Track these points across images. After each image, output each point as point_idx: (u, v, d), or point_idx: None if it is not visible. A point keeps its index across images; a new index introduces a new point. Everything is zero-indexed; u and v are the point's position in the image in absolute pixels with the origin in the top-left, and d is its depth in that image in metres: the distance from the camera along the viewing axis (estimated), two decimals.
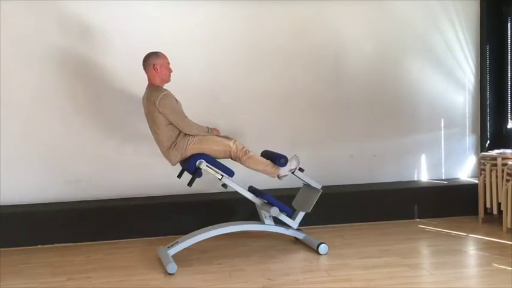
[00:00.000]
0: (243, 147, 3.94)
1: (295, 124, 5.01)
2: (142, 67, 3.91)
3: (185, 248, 3.85)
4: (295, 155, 4.07)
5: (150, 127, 3.93)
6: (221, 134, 4.06)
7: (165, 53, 3.94)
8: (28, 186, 4.67)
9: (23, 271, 3.82)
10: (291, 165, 4.02)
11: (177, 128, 3.85)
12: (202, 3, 4.79)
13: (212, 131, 3.98)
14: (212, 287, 3.39)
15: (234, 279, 3.50)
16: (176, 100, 3.88)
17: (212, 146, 3.88)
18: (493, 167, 4.48)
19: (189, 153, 3.85)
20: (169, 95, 3.83)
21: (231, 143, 3.92)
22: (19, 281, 3.63)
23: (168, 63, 3.93)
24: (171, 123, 3.82)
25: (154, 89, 3.85)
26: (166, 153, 3.90)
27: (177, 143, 3.84)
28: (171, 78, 3.95)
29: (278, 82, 4.96)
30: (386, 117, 5.13)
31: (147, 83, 3.94)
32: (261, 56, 4.93)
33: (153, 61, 3.86)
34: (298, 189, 4.32)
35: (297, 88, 4.99)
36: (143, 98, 3.93)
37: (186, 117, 3.89)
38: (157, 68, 3.86)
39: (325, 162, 5.01)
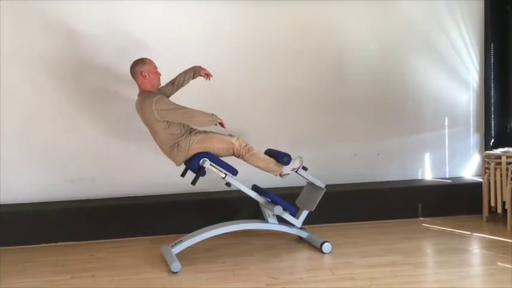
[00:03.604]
0: (246, 145, 3.94)
1: (299, 123, 5.01)
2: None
3: (189, 247, 3.85)
4: (299, 156, 4.08)
5: (149, 131, 3.91)
6: (224, 132, 4.05)
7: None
8: (31, 185, 4.68)
9: (27, 269, 3.83)
10: (294, 164, 4.02)
11: (178, 129, 3.82)
12: (205, 2, 4.79)
13: (216, 117, 3.89)
14: (216, 286, 3.39)
15: (238, 277, 3.50)
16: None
17: (215, 144, 3.88)
18: (497, 166, 4.47)
19: (192, 152, 3.85)
20: (161, 97, 3.80)
21: (234, 140, 3.92)
22: (23, 279, 3.64)
23: (155, 68, 3.89)
24: (169, 127, 3.79)
25: (146, 96, 3.80)
26: (169, 155, 3.90)
27: (179, 144, 3.83)
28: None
29: (281, 81, 4.96)
30: (390, 115, 5.12)
31: None
32: (264, 55, 4.92)
33: (140, 69, 3.82)
34: (301, 187, 4.32)
35: (300, 87, 4.99)
36: (136, 106, 3.87)
37: (185, 107, 3.82)
38: (146, 74, 3.82)
39: (328, 161, 5.01)
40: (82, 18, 4.64)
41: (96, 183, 4.76)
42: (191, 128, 3.95)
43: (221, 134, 3.98)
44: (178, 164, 3.94)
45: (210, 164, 3.83)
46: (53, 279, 3.62)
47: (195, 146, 3.85)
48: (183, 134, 3.85)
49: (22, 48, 4.61)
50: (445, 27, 5.11)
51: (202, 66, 4.74)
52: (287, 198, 4.04)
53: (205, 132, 3.95)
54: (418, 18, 5.09)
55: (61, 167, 4.71)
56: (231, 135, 3.99)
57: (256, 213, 4.30)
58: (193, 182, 3.84)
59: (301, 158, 4.08)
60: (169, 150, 3.86)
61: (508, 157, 4.43)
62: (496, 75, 5.16)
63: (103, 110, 4.74)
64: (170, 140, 3.83)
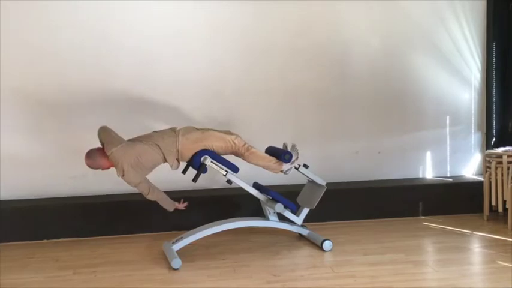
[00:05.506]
0: (245, 144, 3.91)
1: (299, 120, 5.01)
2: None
3: (189, 244, 3.86)
4: (293, 145, 4.04)
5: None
6: (223, 130, 4.01)
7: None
8: (33, 181, 4.69)
9: (29, 265, 3.85)
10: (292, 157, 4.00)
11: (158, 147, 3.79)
12: (205, 1, 4.78)
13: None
14: (217, 283, 3.41)
15: (239, 274, 3.51)
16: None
17: (214, 143, 3.84)
18: (498, 165, 4.47)
19: (190, 153, 3.80)
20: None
21: (233, 138, 3.88)
22: (25, 275, 3.65)
23: None
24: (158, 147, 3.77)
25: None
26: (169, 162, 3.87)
27: (164, 152, 3.76)
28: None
29: (282, 78, 4.96)
30: (391, 113, 5.12)
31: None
32: (265, 51, 4.92)
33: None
34: (302, 185, 4.32)
35: (301, 84, 4.99)
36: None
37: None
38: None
39: (329, 158, 5.01)
40: (83, 15, 4.64)
41: (98, 180, 4.74)
42: (177, 131, 3.86)
43: (220, 131, 3.92)
44: (175, 168, 3.87)
45: (211, 161, 3.83)
46: (55, 274, 3.64)
47: (193, 146, 3.79)
48: (165, 139, 3.79)
49: (24, 47, 4.61)
50: (447, 26, 5.10)
51: (202, 62, 4.74)
52: (288, 195, 4.05)
53: (202, 131, 3.89)
54: (420, 17, 5.07)
55: (63, 163, 4.72)
56: (230, 132, 3.96)
57: (257, 210, 4.30)
58: (195, 179, 3.84)
59: (295, 146, 4.02)
60: (163, 160, 3.82)
61: (509, 156, 4.43)
62: (497, 74, 5.15)
63: (105, 107, 4.74)
64: (159, 153, 3.77)
